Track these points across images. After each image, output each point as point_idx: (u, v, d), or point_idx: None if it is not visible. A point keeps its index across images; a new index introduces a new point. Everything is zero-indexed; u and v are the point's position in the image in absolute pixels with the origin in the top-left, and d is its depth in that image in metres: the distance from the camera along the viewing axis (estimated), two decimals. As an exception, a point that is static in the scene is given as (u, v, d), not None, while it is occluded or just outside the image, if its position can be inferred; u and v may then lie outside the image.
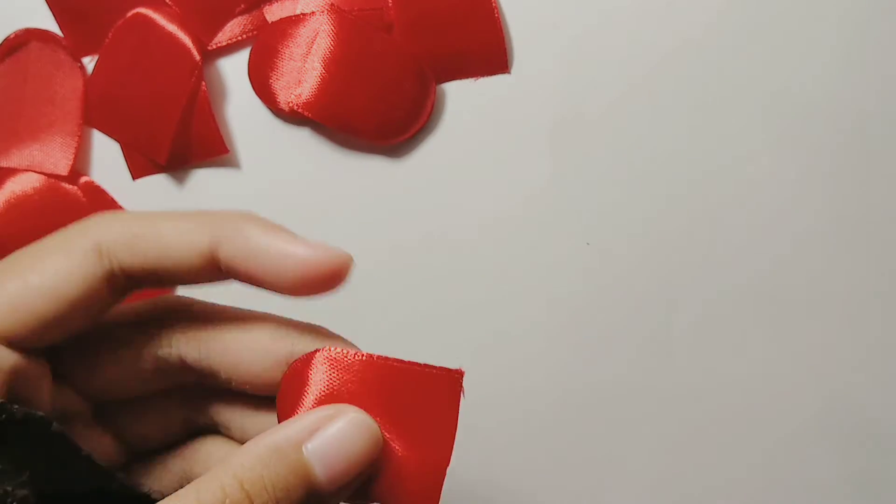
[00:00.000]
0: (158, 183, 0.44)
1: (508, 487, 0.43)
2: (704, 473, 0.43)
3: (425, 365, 0.25)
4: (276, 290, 0.26)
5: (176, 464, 0.28)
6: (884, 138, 0.43)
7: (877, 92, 0.43)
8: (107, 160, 0.45)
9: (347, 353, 0.25)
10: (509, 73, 0.44)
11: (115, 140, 0.44)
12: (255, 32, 0.44)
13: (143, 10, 0.43)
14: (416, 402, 0.25)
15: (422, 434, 0.25)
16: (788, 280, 0.43)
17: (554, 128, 0.44)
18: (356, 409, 0.25)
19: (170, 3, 0.43)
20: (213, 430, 0.29)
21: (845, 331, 0.43)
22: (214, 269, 0.25)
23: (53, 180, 0.44)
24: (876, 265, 0.43)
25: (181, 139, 0.43)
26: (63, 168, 0.44)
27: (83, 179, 0.44)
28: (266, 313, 0.27)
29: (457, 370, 0.25)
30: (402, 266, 0.44)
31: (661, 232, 0.43)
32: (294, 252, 0.25)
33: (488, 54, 0.43)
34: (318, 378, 0.25)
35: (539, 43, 0.44)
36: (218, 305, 0.27)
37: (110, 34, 0.43)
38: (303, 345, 0.26)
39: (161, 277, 0.26)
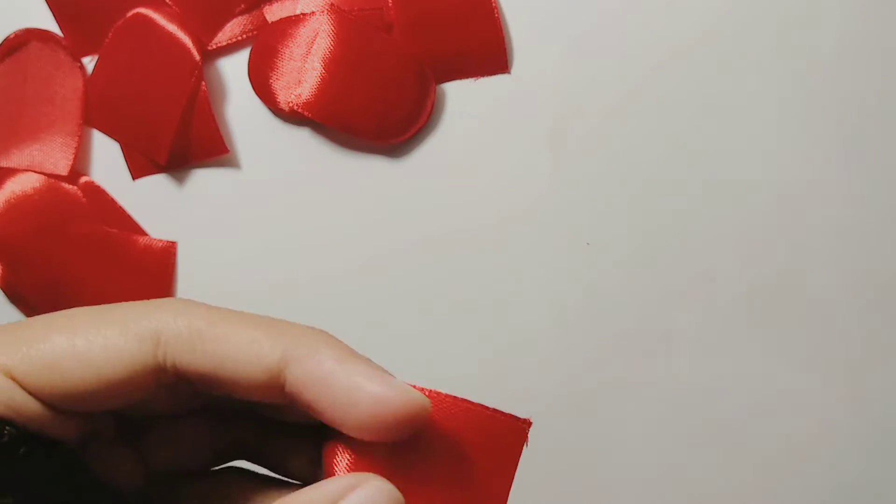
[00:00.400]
0: (158, 183, 0.44)
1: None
2: (704, 474, 0.43)
3: (492, 409, 0.24)
4: (339, 427, 0.23)
5: (194, 496, 0.27)
6: (886, 139, 0.43)
7: (879, 93, 0.43)
8: (107, 160, 0.45)
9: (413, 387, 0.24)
10: (509, 73, 0.44)
11: (115, 140, 0.44)
12: (255, 32, 0.44)
13: (143, 10, 0.43)
14: (475, 444, 0.24)
15: (476, 480, 0.24)
16: (789, 280, 0.43)
17: (554, 128, 0.44)
18: (380, 478, 0.23)
19: (170, 3, 0.43)
20: (242, 456, 0.28)
21: (846, 332, 0.43)
22: (277, 391, 0.23)
23: (53, 180, 0.44)
24: (876, 266, 0.43)
25: (181, 139, 0.43)
26: (63, 168, 0.44)
27: (83, 179, 0.44)
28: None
29: (525, 420, 0.24)
30: (401, 266, 0.44)
31: (661, 232, 0.43)
32: (369, 388, 0.23)
33: (488, 54, 0.43)
34: None
35: (539, 43, 0.44)
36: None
37: (110, 34, 0.43)
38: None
39: (218, 385, 0.24)
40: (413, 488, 0.24)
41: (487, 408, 0.24)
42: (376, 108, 0.43)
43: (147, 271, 0.44)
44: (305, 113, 0.42)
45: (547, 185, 0.44)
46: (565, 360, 0.43)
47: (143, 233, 0.44)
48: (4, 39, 0.44)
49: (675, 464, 0.43)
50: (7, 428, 0.22)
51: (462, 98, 0.44)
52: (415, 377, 0.25)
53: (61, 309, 0.25)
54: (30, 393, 0.23)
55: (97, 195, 0.44)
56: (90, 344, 0.23)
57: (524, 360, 0.43)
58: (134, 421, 0.26)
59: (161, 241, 0.44)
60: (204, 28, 0.44)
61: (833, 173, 0.43)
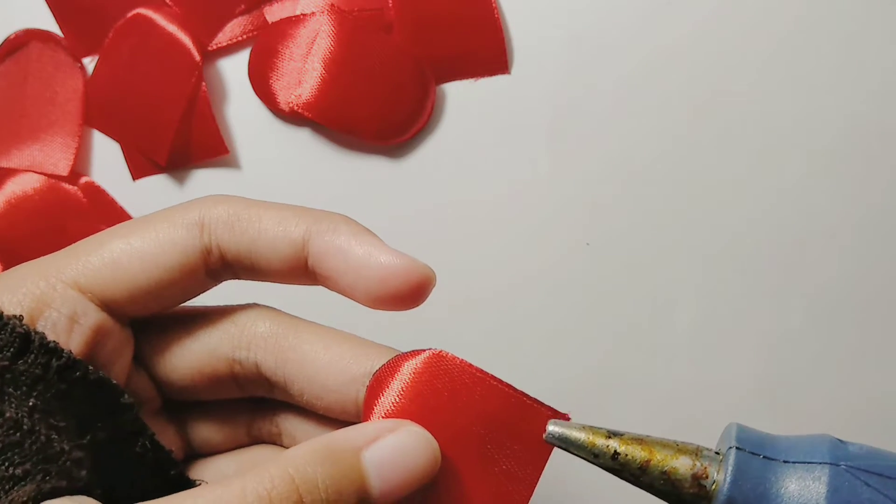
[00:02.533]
0: (159, 183, 0.44)
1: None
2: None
3: (532, 398, 0.25)
4: (353, 296, 0.25)
5: (230, 467, 0.28)
6: (882, 136, 0.43)
7: (876, 93, 0.43)
8: (107, 160, 0.45)
9: (456, 360, 0.25)
10: (509, 73, 0.44)
11: (116, 140, 0.44)
12: (255, 33, 0.44)
13: (143, 10, 0.43)
14: (508, 431, 0.25)
15: (501, 467, 0.25)
16: (788, 279, 0.43)
17: (553, 128, 0.44)
18: (416, 424, 0.24)
19: (170, 3, 0.43)
20: (278, 442, 0.29)
21: (845, 330, 0.43)
22: (302, 265, 0.26)
23: (54, 181, 0.44)
24: (873, 263, 0.43)
25: (181, 140, 0.43)
26: (63, 168, 0.44)
27: (83, 180, 0.44)
28: (347, 333, 0.27)
29: (563, 414, 0.25)
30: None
31: (660, 231, 0.43)
32: (378, 256, 0.25)
33: (488, 54, 0.43)
34: (411, 379, 0.25)
35: (539, 43, 0.44)
36: (301, 319, 0.27)
37: (110, 35, 0.43)
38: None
39: (253, 264, 0.26)
40: (444, 448, 0.24)
41: (528, 396, 0.25)
42: (376, 109, 0.43)
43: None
44: (305, 113, 0.42)
45: (547, 185, 0.44)
46: (565, 360, 0.43)
47: (143, 233, 0.44)
48: (5, 40, 0.44)
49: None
50: (64, 354, 0.23)
51: (462, 98, 0.44)
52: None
53: None
54: (96, 300, 0.24)
55: (97, 195, 0.44)
56: (145, 240, 0.25)
57: (523, 360, 0.43)
58: (178, 403, 0.28)
59: (161, 241, 0.44)
60: (204, 28, 0.44)
61: (833, 169, 0.43)
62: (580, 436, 0.24)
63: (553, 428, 0.24)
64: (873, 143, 0.43)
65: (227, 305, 0.28)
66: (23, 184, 0.43)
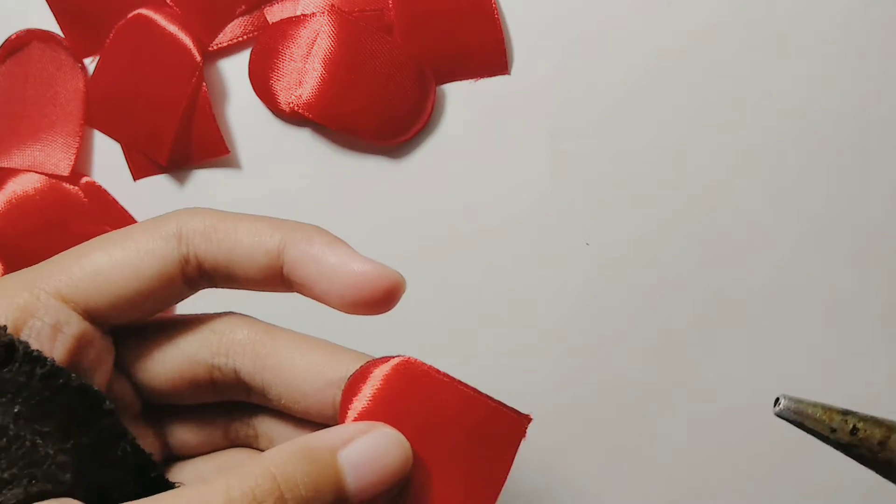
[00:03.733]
0: (159, 183, 0.44)
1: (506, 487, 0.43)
2: (704, 472, 0.43)
3: (496, 400, 0.26)
4: (328, 302, 0.26)
5: (209, 470, 0.29)
6: (881, 141, 0.43)
7: (876, 94, 0.43)
8: (108, 161, 0.45)
9: (424, 367, 0.26)
10: (509, 73, 0.44)
11: (116, 141, 0.45)
12: (255, 33, 0.44)
13: (144, 10, 0.43)
14: (474, 433, 0.26)
15: (470, 468, 0.25)
16: (788, 280, 0.43)
17: (554, 129, 0.44)
18: (389, 426, 0.25)
19: (170, 3, 0.43)
20: (254, 445, 0.30)
21: (845, 330, 0.43)
22: (277, 274, 0.27)
23: (54, 181, 0.44)
24: (874, 265, 0.43)
25: (182, 140, 0.43)
26: (64, 168, 0.44)
27: (84, 180, 0.44)
28: (321, 339, 0.28)
29: (526, 415, 0.26)
30: (401, 267, 0.44)
31: (660, 232, 0.43)
32: (350, 264, 0.26)
33: (488, 55, 0.44)
34: (382, 384, 0.26)
35: (539, 44, 0.44)
36: (278, 327, 0.28)
37: (111, 35, 0.44)
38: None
39: (230, 273, 0.27)
40: (416, 450, 0.25)
41: (493, 399, 0.26)
42: (377, 109, 0.43)
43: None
44: (306, 114, 0.43)
45: (547, 186, 0.44)
46: (565, 361, 0.43)
47: (143, 233, 0.44)
48: (6, 40, 0.44)
49: (675, 461, 0.43)
50: (48, 362, 0.24)
51: (462, 99, 0.44)
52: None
53: None
54: (79, 310, 0.25)
55: (98, 195, 0.44)
56: (125, 250, 0.26)
57: (524, 361, 0.43)
58: (157, 407, 0.28)
59: (162, 241, 0.44)
60: (205, 29, 0.44)
61: (832, 173, 0.43)
62: (815, 410, 0.23)
63: (786, 402, 0.23)
64: (878, 148, 0.43)
65: (204, 314, 0.28)
66: (24, 184, 0.44)
